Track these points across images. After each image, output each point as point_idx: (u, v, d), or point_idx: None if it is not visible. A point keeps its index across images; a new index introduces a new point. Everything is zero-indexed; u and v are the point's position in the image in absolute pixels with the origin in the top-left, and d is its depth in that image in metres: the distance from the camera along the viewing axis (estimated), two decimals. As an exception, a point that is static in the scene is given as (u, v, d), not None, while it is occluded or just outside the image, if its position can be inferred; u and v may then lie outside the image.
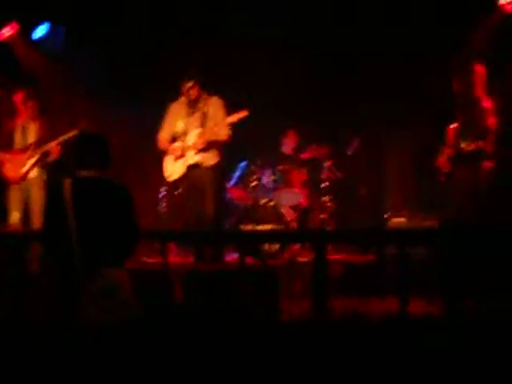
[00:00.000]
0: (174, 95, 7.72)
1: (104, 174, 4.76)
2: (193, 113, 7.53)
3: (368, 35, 8.95)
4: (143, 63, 9.40)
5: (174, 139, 7.63)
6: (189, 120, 7.46)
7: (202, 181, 7.42)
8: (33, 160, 7.78)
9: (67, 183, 4.62)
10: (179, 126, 7.54)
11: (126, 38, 9.28)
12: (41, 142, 7.83)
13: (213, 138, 7.38)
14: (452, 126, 6.97)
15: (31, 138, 7.92)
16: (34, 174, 7.81)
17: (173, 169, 7.55)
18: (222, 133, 7.41)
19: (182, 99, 7.60)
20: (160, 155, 7.78)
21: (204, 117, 7.47)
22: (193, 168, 7.42)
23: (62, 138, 7.75)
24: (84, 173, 4.70)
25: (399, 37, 8.78)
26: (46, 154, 7.81)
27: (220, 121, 7.44)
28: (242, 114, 7.42)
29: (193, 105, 7.52)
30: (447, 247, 6.01)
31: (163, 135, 7.65)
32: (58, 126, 7.97)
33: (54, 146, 7.77)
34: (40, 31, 9.18)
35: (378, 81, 9.09)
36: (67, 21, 9.22)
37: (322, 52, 9.10)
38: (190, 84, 7.40)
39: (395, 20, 8.74)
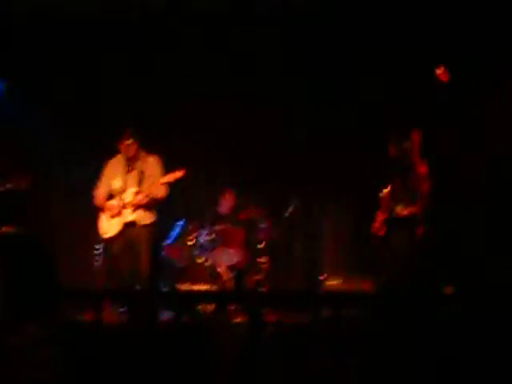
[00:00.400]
0: (111, 153, 7.70)
1: (23, 230, 4.76)
2: (130, 171, 7.52)
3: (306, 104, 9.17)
4: (80, 120, 9.39)
5: (110, 196, 7.60)
6: (126, 178, 7.45)
7: (138, 239, 7.38)
8: None
9: None
10: (116, 183, 7.52)
11: (64, 94, 9.29)
12: None
13: (149, 196, 7.36)
14: (385, 191, 7.08)
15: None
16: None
17: (108, 226, 7.50)
18: (159, 191, 7.39)
19: (119, 156, 7.59)
20: (97, 212, 7.73)
21: (141, 175, 7.47)
22: (129, 226, 7.38)
23: None
24: (3, 229, 4.72)
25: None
26: None
27: (156, 180, 7.44)
28: (178, 174, 7.43)
29: (130, 163, 7.52)
30: (382, 311, 6.04)
31: (100, 192, 7.62)
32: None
33: None
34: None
35: (314, 145, 9.28)
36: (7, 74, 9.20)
37: (258, 113, 9.20)
38: (128, 142, 7.40)
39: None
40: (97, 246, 9.10)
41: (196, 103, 9.29)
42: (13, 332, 4.39)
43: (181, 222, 9.26)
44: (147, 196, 7.37)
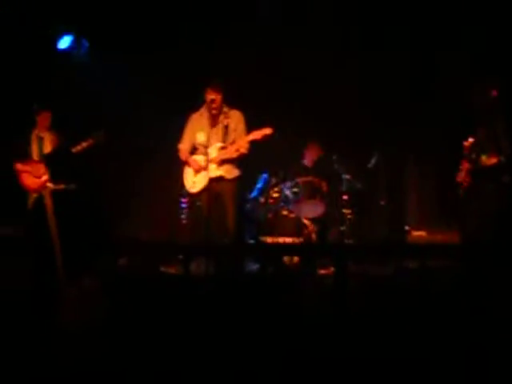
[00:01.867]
0: (195, 105, 7.76)
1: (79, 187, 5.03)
2: (214, 125, 7.54)
3: (392, 61, 9.06)
4: (165, 74, 9.49)
5: (193, 150, 7.67)
6: (210, 132, 7.47)
7: (224, 193, 7.44)
8: (50, 170, 7.86)
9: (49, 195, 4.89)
10: (200, 137, 7.56)
11: (149, 48, 9.39)
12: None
13: (234, 152, 7.41)
14: (469, 141, 6.99)
15: (47, 147, 8.03)
16: (50, 183, 7.85)
17: (194, 181, 7.57)
18: (243, 147, 7.43)
19: (203, 110, 7.62)
20: (179, 165, 7.86)
21: (225, 130, 7.49)
22: (214, 181, 7.43)
23: (77, 148, 7.86)
24: (61, 186, 4.95)
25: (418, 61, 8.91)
26: None
27: (241, 134, 7.48)
28: (266, 131, 7.39)
29: (214, 117, 7.54)
30: (469, 262, 6.02)
31: (183, 146, 7.68)
32: (74, 137, 8.08)
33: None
34: (64, 42, 9.29)
35: (399, 99, 9.20)
36: (92, 32, 9.35)
37: (346, 69, 9.14)
38: (212, 96, 7.42)
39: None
40: (182, 200, 9.31)
41: (281, 55, 9.29)
42: (69, 285, 4.63)
43: (264, 175, 9.32)
44: (233, 152, 7.42)
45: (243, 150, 7.44)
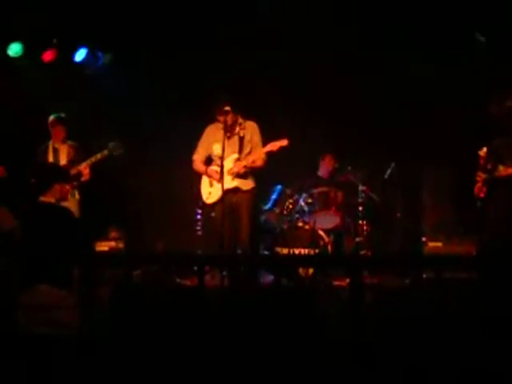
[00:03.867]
0: (208, 118, 7.76)
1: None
2: (229, 137, 7.55)
3: (406, 71, 9.03)
4: (178, 86, 9.50)
5: (207, 161, 7.67)
6: (226, 144, 7.46)
7: (239, 205, 7.44)
8: None
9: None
10: (216, 149, 7.57)
11: (162, 60, 9.42)
12: (72, 163, 7.94)
13: (250, 164, 7.41)
14: (483, 150, 6.93)
15: (63, 159, 8.05)
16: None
17: (210, 191, 7.57)
18: (259, 159, 7.42)
19: (218, 123, 7.62)
20: (192, 176, 7.86)
21: (241, 141, 7.51)
22: (230, 192, 7.43)
23: (92, 160, 7.88)
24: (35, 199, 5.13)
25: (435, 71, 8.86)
26: (77, 176, 7.92)
27: (256, 145, 7.47)
28: (282, 143, 7.38)
29: (229, 129, 7.53)
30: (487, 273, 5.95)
31: (198, 157, 7.70)
32: (90, 148, 8.10)
33: (84, 168, 7.89)
34: (80, 55, 9.34)
35: (415, 109, 9.16)
36: (107, 45, 9.40)
37: (361, 80, 9.11)
38: (225, 109, 7.40)
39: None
40: (198, 211, 9.32)
41: (295, 64, 9.29)
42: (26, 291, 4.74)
43: (279, 186, 9.30)
44: (248, 165, 7.40)
45: (260, 162, 7.43)
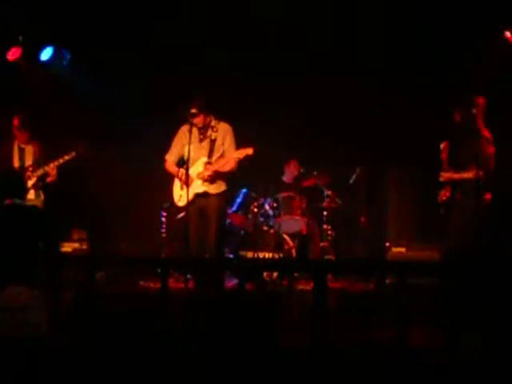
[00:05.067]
0: (180, 120, 7.69)
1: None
2: (201, 140, 7.43)
3: (370, 72, 9.09)
4: (147, 86, 9.45)
5: (181, 162, 7.57)
6: (197, 147, 7.39)
7: (207, 209, 7.35)
8: (31, 182, 7.81)
9: None
10: (187, 151, 7.43)
11: (130, 61, 9.36)
12: (38, 164, 7.88)
13: (219, 169, 7.34)
14: (443, 144, 7.05)
15: (29, 160, 7.96)
16: (31, 195, 7.80)
17: (181, 194, 7.46)
18: (229, 164, 7.35)
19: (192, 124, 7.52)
20: (159, 178, 7.82)
21: (212, 145, 7.41)
22: (199, 196, 7.37)
23: (59, 161, 7.82)
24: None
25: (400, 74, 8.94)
26: (43, 176, 7.85)
27: (229, 148, 7.37)
28: (248, 151, 7.28)
29: (202, 131, 7.45)
30: (449, 279, 6.01)
31: (171, 157, 7.56)
32: (56, 149, 8.03)
33: (51, 169, 7.82)
34: (46, 54, 9.25)
35: (378, 113, 9.23)
36: (73, 44, 9.32)
37: (325, 82, 9.13)
38: (193, 111, 7.33)
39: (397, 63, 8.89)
40: (162, 213, 9.28)
41: (260, 68, 9.32)
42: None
43: (244, 190, 9.29)
44: (217, 170, 7.33)
45: (230, 166, 7.33)
